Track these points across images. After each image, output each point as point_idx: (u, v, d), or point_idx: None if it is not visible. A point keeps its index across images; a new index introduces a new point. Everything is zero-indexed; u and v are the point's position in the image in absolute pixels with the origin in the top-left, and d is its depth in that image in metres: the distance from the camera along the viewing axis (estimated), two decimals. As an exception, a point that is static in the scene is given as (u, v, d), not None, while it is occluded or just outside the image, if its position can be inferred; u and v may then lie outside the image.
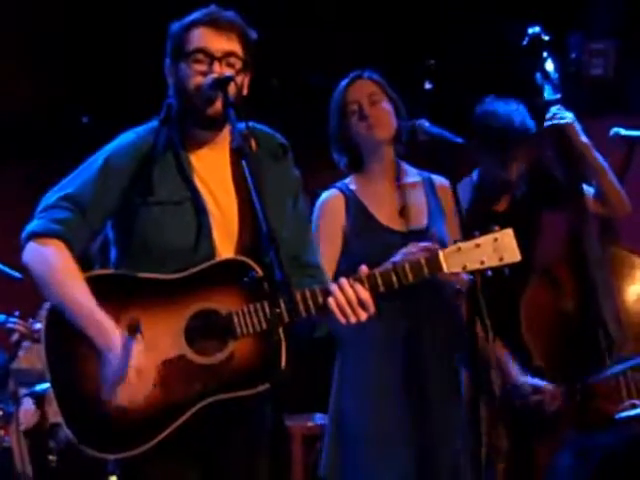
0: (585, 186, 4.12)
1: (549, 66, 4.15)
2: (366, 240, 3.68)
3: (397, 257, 3.43)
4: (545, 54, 4.16)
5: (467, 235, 2.93)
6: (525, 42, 4.17)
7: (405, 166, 3.85)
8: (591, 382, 3.90)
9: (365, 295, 2.80)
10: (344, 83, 3.81)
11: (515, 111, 4.10)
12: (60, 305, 2.81)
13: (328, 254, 3.60)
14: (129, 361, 2.70)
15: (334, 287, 2.80)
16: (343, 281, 2.81)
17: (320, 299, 2.80)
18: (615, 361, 3.89)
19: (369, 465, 3.58)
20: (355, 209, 3.74)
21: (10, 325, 4.92)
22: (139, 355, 2.72)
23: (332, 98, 3.83)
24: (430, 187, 3.81)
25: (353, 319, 2.80)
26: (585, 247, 4.03)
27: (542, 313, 4.06)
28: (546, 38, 4.16)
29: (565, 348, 4.01)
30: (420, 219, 3.73)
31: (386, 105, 3.76)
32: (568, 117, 4.05)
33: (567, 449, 3.92)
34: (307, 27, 5.77)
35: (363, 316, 2.81)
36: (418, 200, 3.78)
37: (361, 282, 2.82)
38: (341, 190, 3.79)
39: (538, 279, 4.08)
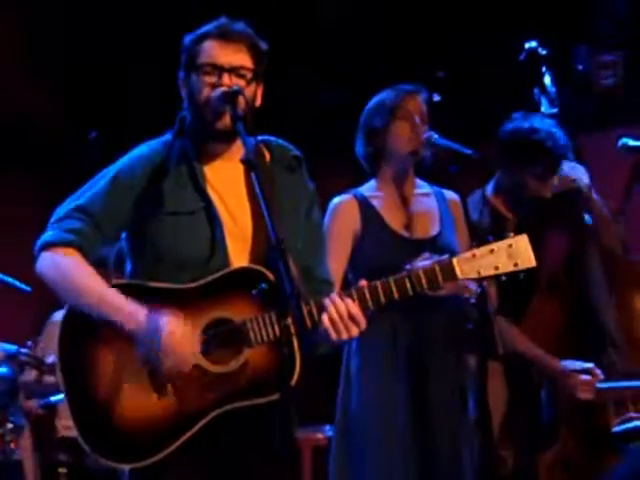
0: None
1: (546, 80, 4.16)
2: (377, 245, 3.70)
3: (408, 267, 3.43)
4: (543, 68, 4.17)
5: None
6: (522, 57, 4.19)
7: (417, 179, 3.89)
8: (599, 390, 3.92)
9: (355, 310, 2.75)
10: (406, 88, 3.80)
11: (554, 127, 4.05)
12: (78, 303, 2.80)
13: (337, 254, 3.62)
14: (166, 327, 2.67)
15: (327, 302, 2.76)
16: (334, 296, 2.77)
17: (316, 316, 2.77)
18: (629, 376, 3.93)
19: (374, 474, 3.60)
20: (368, 215, 3.77)
21: (22, 358, 4.94)
22: (173, 320, 2.69)
23: (384, 95, 3.81)
24: (442, 199, 3.85)
25: (345, 335, 2.75)
26: (586, 264, 4.04)
27: (547, 331, 4.07)
28: (543, 52, 4.17)
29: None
30: (432, 227, 3.77)
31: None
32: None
33: (627, 460, 3.90)
34: (313, 47, 5.81)
35: (354, 331, 2.76)
36: (431, 209, 3.82)
37: (350, 296, 2.78)
38: (355, 196, 3.82)
39: (540, 297, 4.10)
